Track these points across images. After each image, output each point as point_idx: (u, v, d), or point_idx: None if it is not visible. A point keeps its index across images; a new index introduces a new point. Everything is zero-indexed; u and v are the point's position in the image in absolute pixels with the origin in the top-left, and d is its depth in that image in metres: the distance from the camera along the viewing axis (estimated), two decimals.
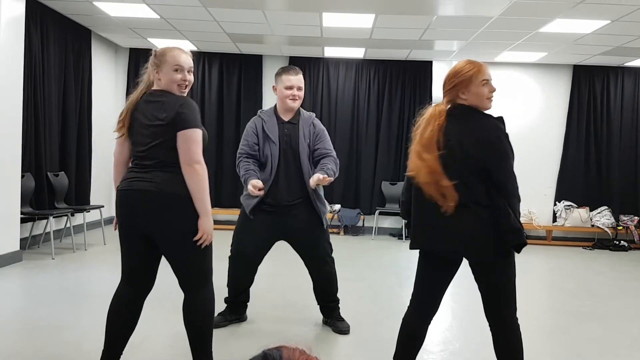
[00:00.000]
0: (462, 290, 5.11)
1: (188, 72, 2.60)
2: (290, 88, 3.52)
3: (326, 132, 3.65)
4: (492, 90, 2.54)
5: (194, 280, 2.64)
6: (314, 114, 3.73)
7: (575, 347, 3.65)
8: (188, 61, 2.61)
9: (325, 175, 3.31)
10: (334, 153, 3.60)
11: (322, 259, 3.62)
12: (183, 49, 2.65)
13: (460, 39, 7.21)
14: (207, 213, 2.52)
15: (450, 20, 6.34)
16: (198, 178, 2.47)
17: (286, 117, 3.59)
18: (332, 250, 3.67)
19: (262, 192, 3.33)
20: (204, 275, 2.66)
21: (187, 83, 2.60)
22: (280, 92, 3.56)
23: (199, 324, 2.66)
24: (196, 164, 2.46)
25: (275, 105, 3.67)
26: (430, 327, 4.07)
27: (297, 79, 3.55)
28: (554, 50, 7.63)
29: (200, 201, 2.49)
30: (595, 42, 7.09)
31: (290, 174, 3.48)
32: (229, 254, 3.65)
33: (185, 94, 2.62)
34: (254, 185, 3.30)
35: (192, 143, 2.47)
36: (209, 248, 2.61)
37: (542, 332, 3.99)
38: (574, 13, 5.84)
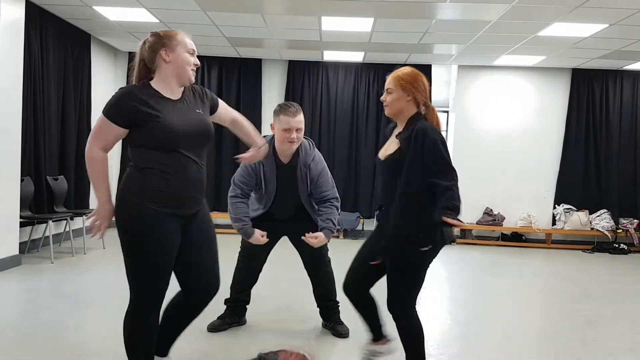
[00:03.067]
0: (462, 295, 5.11)
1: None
2: (288, 131, 3.31)
3: (323, 172, 3.50)
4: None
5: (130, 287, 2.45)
6: (314, 151, 3.54)
7: (575, 351, 3.65)
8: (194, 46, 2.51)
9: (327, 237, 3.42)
10: (333, 193, 3.52)
11: (321, 260, 3.67)
12: None
13: (459, 42, 7.22)
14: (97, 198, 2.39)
15: (448, 24, 6.36)
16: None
17: (285, 159, 3.47)
18: (327, 250, 3.72)
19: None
20: (132, 286, 2.43)
21: (196, 67, 2.50)
22: (278, 133, 3.37)
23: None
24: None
25: (274, 142, 3.46)
26: (429, 329, 4.08)
27: (296, 120, 3.32)
28: (553, 53, 7.65)
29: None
30: (593, 46, 7.11)
31: (287, 201, 3.54)
32: (237, 252, 3.74)
33: (192, 81, 2.48)
34: (257, 239, 3.46)
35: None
36: (137, 259, 2.39)
37: (541, 335, 3.99)
38: (572, 17, 5.86)
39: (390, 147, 2.69)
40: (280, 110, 3.38)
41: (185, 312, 2.64)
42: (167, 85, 2.40)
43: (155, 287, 2.41)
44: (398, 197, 2.57)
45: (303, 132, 3.43)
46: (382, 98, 2.73)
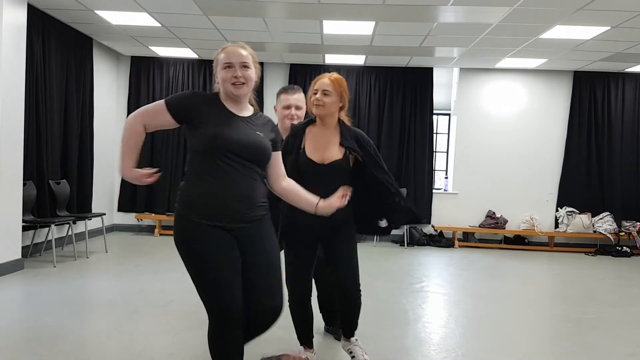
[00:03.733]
0: (464, 298, 5.10)
1: (242, 67, 2.37)
2: (288, 107, 3.41)
3: None
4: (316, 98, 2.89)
5: None
6: None
7: (578, 354, 3.64)
8: (238, 55, 2.37)
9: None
10: None
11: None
12: (241, 43, 2.45)
13: (460, 45, 7.22)
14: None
15: (450, 27, 6.36)
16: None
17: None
18: None
19: None
20: (205, 306, 2.37)
21: (241, 80, 2.36)
22: (280, 112, 3.48)
23: None
24: None
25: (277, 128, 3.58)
26: (433, 333, 4.07)
27: (295, 97, 3.42)
28: (555, 56, 7.64)
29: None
30: (595, 48, 7.11)
31: None
32: None
33: (241, 94, 2.40)
34: None
35: None
36: (192, 273, 2.34)
37: (545, 338, 3.98)
38: (573, 19, 5.86)
39: (331, 153, 2.87)
40: (281, 91, 3.53)
41: (245, 332, 2.45)
42: (227, 102, 2.44)
43: (213, 301, 2.32)
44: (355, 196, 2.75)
45: (303, 112, 3.45)
46: (318, 97, 2.84)
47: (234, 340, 2.36)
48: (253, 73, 2.42)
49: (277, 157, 2.57)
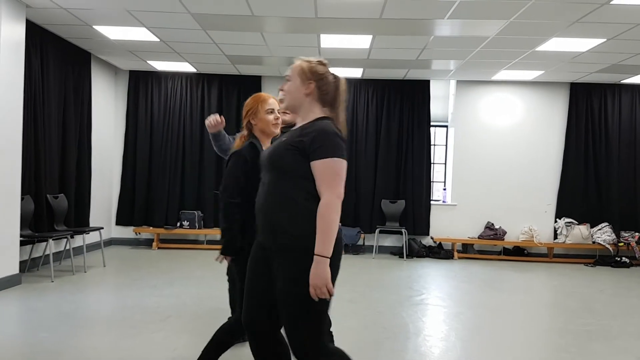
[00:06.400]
0: (464, 310, 5.08)
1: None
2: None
3: None
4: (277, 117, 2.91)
5: None
6: None
7: None
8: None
9: None
10: None
11: None
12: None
13: (457, 58, 7.27)
14: None
15: (446, 41, 6.40)
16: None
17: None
18: None
19: None
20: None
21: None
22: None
23: None
24: None
25: None
26: (434, 347, 4.05)
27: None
28: (551, 68, 7.69)
29: None
30: (591, 60, 7.15)
31: None
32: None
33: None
34: None
35: None
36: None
37: (545, 350, 3.96)
38: (569, 32, 5.91)
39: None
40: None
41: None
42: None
43: (244, 308, 2.35)
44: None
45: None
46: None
47: (255, 348, 2.36)
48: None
49: (316, 164, 2.10)
